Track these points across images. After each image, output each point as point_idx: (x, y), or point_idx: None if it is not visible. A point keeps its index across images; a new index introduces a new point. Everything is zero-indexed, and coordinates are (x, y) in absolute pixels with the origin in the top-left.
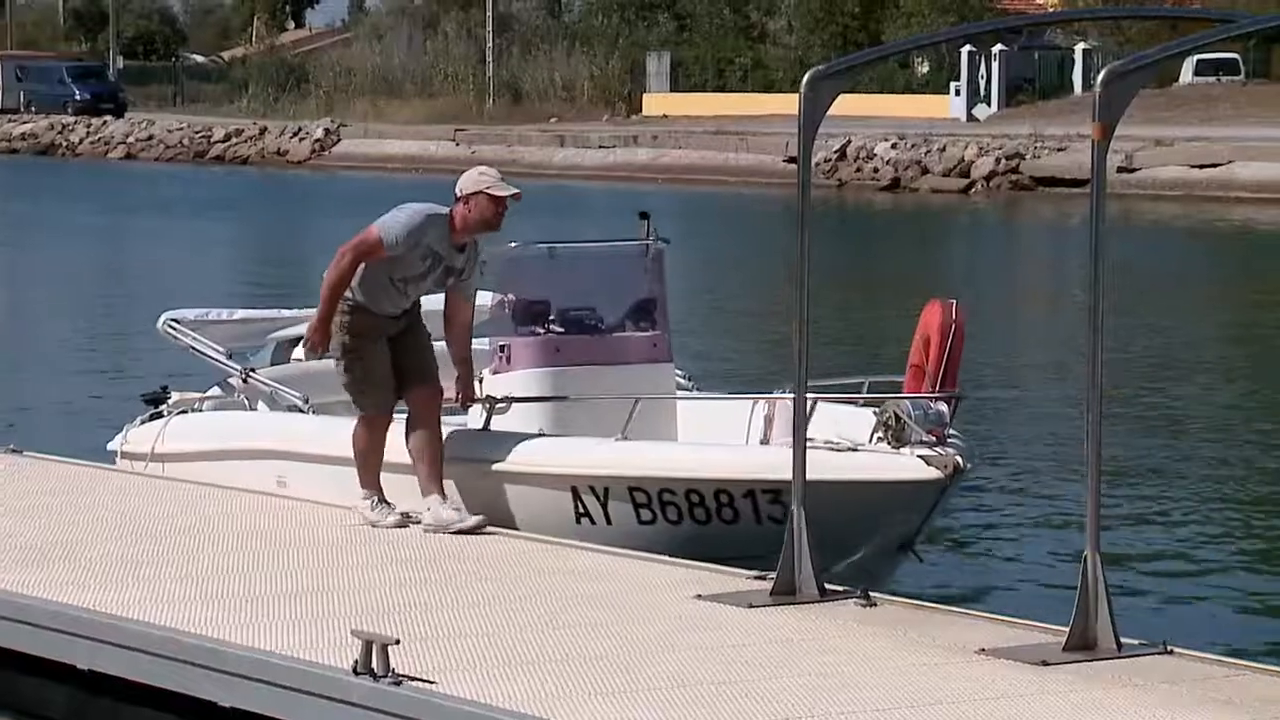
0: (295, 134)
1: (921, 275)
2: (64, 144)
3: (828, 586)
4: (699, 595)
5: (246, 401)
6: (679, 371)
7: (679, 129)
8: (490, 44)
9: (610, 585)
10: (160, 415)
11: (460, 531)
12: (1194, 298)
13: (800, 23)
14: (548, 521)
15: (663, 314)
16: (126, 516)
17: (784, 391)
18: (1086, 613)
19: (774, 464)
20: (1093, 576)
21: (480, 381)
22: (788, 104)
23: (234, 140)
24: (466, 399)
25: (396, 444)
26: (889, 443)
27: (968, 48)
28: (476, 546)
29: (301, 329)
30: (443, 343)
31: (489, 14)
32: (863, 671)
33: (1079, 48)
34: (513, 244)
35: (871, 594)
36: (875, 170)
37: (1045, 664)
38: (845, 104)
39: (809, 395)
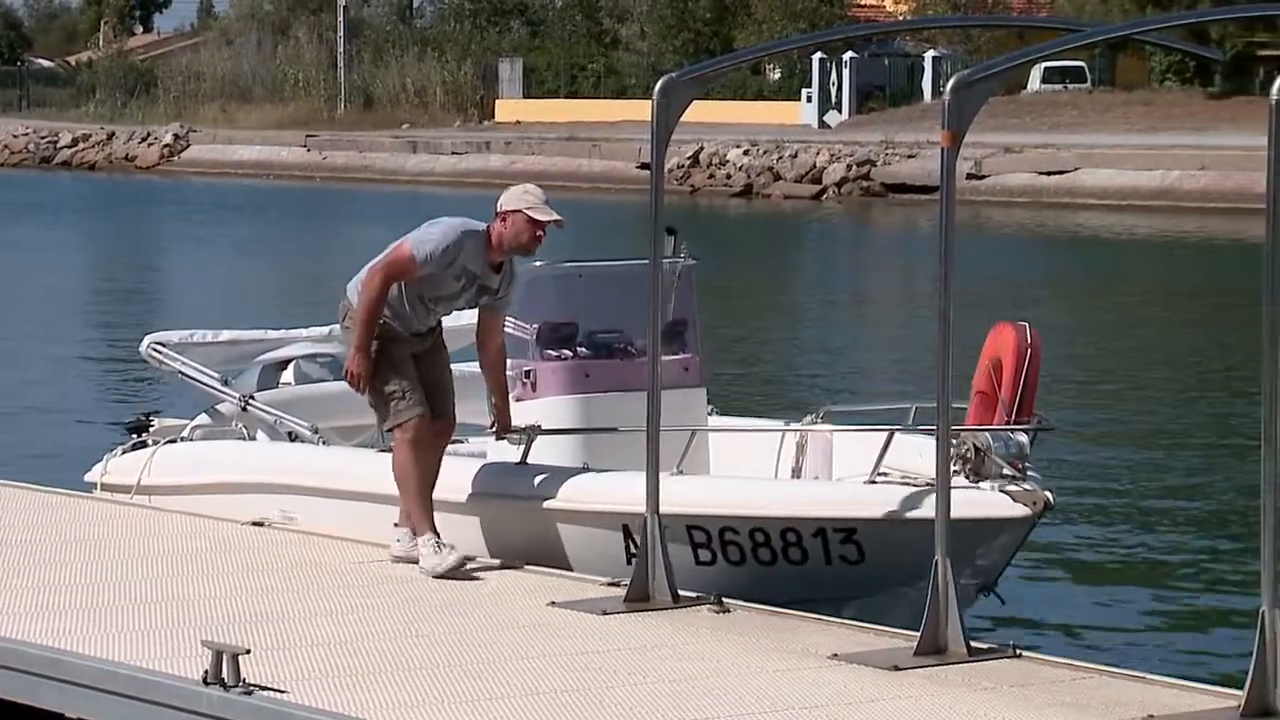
0: (144, 139)
1: (783, 282)
2: None
3: (681, 593)
4: (553, 602)
5: (245, 430)
6: None
7: (532, 135)
8: (341, 49)
9: (464, 593)
10: (144, 444)
11: (441, 576)
12: (1042, 302)
13: (652, 29)
14: (597, 561)
15: (694, 335)
16: None
17: (816, 420)
18: (937, 618)
19: (847, 500)
20: (943, 581)
21: None
22: (640, 110)
23: (81, 145)
24: (503, 429)
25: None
26: (966, 476)
27: (818, 55)
28: (333, 554)
29: (291, 350)
30: (462, 365)
31: (340, 19)
32: (716, 678)
33: (929, 55)
34: (537, 263)
35: (725, 600)
36: (728, 176)
37: (897, 669)
38: (698, 110)
39: (885, 428)
